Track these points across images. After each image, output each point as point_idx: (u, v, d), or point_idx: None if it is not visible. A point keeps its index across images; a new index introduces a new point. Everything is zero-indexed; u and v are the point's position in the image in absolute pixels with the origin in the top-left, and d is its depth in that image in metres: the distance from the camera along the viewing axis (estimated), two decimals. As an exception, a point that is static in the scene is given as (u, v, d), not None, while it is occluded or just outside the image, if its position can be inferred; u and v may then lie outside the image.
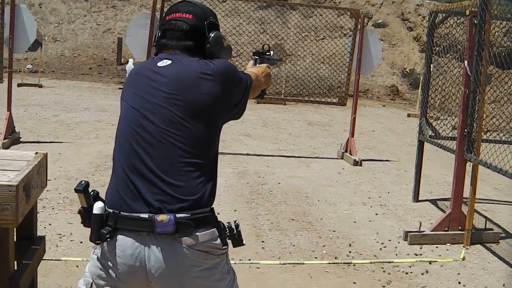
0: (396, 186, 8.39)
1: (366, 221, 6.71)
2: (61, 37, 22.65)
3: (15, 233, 3.16)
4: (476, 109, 6.00)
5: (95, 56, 21.94)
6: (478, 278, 5.35)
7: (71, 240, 5.42)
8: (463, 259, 5.76)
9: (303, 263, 5.32)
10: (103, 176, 7.57)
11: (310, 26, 19.22)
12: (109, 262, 2.37)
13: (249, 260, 5.26)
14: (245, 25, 19.78)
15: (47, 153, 3.68)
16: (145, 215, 2.28)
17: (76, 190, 2.35)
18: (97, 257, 2.43)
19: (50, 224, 5.76)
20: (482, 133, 6.34)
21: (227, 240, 2.39)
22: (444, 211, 6.65)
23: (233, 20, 17.38)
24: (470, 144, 6.03)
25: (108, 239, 2.32)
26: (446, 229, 6.30)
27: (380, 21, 23.12)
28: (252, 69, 2.93)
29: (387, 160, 10.12)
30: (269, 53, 3.17)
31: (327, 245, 5.85)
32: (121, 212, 2.32)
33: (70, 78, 19.63)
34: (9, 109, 9.31)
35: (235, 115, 2.61)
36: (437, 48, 7.82)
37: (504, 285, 5.24)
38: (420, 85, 8.26)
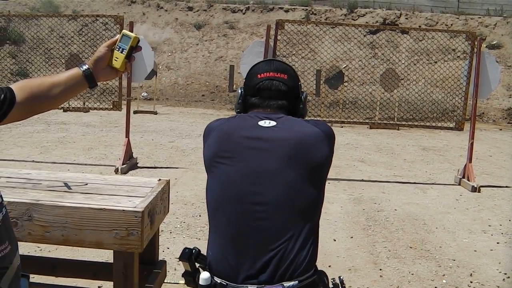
0: (518, 214, 8.05)
1: (487, 250, 6.44)
2: (175, 65, 23.26)
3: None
4: None
5: (207, 83, 22.38)
6: None
7: (189, 265, 5.49)
8: None
9: (426, 294, 5.17)
10: (219, 202, 7.65)
11: (422, 49, 18.98)
12: None
13: (367, 288, 5.17)
14: (356, 50, 19.80)
15: (169, 180, 3.76)
16: (253, 287, 2.22)
17: (181, 259, 2.39)
18: None
19: (168, 248, 5.86)
20: None
21: None
22: None
23: (344, 45, 17.42)
24: None
25: None
26: None
27: (494, 42, 22.44)
28: None
29: (507, 187, 9.72)
30: None
31: (447, 275, 5.65)
32: (229, 284, 2.26)
33: (184, 105, 20.10)
34: (127, 135, 9.62)
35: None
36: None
37: None
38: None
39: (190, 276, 2.37)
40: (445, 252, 6.29)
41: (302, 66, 18.04)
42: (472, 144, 9.70)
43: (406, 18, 23.73)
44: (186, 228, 6.55)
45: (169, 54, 23.80)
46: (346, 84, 18.06)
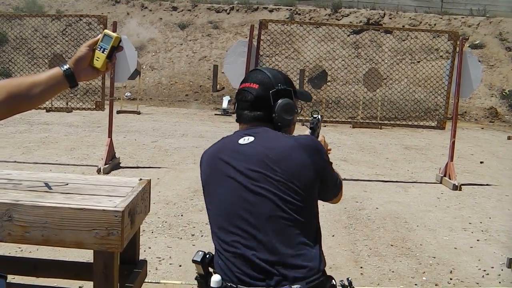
0: (498, 211, 8.12)
1: (467, 248, 6.52)
2: (159, 65, 23.27)
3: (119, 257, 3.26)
4: None
5: (191, 83, 22.39)
6: None
7: (170, 264, 5.52)
8: None
9: (403, 290, 5.23)
10: (201, 201, 7.65)
11: (405, 48, 19.08)
12: None
13: (348, 286, 5.20)
14: (340, 50, 19.86)
15: (150, 179, 3.79)
16: None
17: (194, 262, 2.45)
18: None
19: (149, 248, 5.89)
20: None
21: None
22: (551, 238, 6.38)
23: (328, 44, 17.47)
24: None
25: None
26: (554, 256, 6.05)
27: (477, 42, 22.62)
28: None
29: (487, 185, 9.82)
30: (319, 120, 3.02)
31: (427, 272, 5.71)
32: (239, 285, 2.33)
33: (167, 105, 20.10)
34: (110, 135, 9.63)
35: (320, 194, 2.54)
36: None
37: None
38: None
39: (203, 279, 2.44)
40: (425, 249, 6.36)
41: (286, 66, 18.04)
42: (453, 142, 9.78)
43: (390, 18, 23.90)
44: (168, 228, 6.57)
45: (153, 54, 23.81)
46: (329, 83, 18.12)
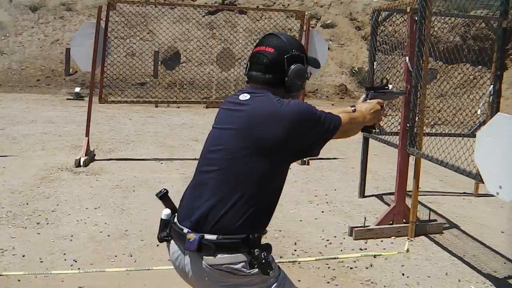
0: (343, 183, 8.47)
1: (312, 219, 6.76)
2: (8, 50, 22.29)
3: None
4: (418, 104, 6.08)
5: (43, 67, 21.62)
6: (421, 268, 5.44)
7: (13, 255, 5.35)
8: (407, 251, 5.85)
9: (248, 264, 5.32)
10: (48, 188, 7.50)
11: (260, 28, 19.30)
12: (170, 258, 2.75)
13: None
14: (194, 31, 19.82)
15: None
16: (185, 230, 2.58)
17: (157, 196, 2.82)
18: None
19: (-8, 238, 5.69)
20: (428, 127, 6.43)
21: (257, 267, 2.54)
22: (389, 205, 6.72)
23: (183, 25, 17.39)
24: (412, 138, 6.11)
25: (166, 241, 2.72)
26: (391, 222, 6.40)
27: (328, 21, 23.26)
28: (360, 105, 3.05)
29: (334, 158, 10.20)
30: (387, 87, 3.23)
31: (273, 245, 5.77)
32: (176, 222, 2.67)
33: (18, 91, 19.31)
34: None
35: (307, 155, 2.84)
36: (385, 46, 7.91)
37: (446, 273, 5.34)
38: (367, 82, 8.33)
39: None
40: (271, 224, 6.37)
41: (140, 48, 17.88)
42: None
43: (245, -1, 24.11)
44: (12, 218, 6.36)
45: (2, 38, 22.76)
46: (184, 64, 18.08)
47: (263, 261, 2.53)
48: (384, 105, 3.16)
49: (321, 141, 2.72)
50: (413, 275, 5.27)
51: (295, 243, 5.94)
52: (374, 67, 7.83)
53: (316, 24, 22.98)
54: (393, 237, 6.23)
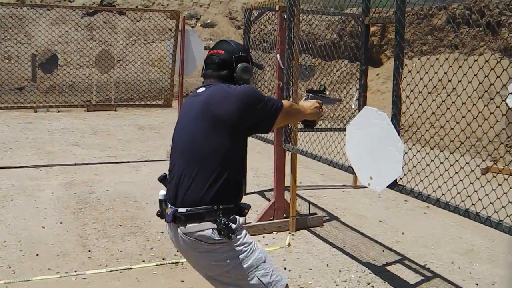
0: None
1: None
2: None
3: None
4: (291, 101, 6.16)
5: None
6: (303, 261, 5.53)
7: None
8: (289, 245, 5.93)
9: (130, 268, 5.26)
10: None
11: (139, 29, 19.09)
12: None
13: (75, 272, 5.12)
14: (73, 33, 19.33)
15: None
16: (169, 206, 3.04)
17: (158, 179, 3.26)
18: None
19: None
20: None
21: (222, 232, 2.91)
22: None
23: (62, 27, 16.94)
24: (287, 134, 6.20)
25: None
26: (272, 218, 6.46)
27: (208, 21, 23.30)
28: (302, 102, 3.70)
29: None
30: (324, 93, 3.86)
31: (155, 247, 5.82)
32: (164, 201, 3.12)
33: None
34: None
35: (257, 131, 3.26)
36: (265, 44, 7.98)
37: (327, 265, 5.44)
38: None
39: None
40: (154, 226, 6.45)
41: (17, 51, 17.25)
42: (180, 119, 10.00)
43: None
44: None
45: None
46: (63, 68, 17.63)
47: (224, 226, 2.89)
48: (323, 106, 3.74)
49: (267, 120, 3.19)
50: (295, 268, 5.34)
51: (177, 243, 5.90)
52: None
53: (196, 24, 22.98)
54: (275, 232, 6.30)
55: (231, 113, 2.99)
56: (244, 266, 3.01)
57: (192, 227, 2.93)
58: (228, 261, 2.98)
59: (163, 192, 3.18)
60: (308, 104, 3.63)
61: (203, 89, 3.18)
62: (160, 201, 3.16)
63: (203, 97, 3.10)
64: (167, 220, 3.02)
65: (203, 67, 3.34)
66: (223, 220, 2.89)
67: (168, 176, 3.20)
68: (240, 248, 3.00)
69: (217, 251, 2.96)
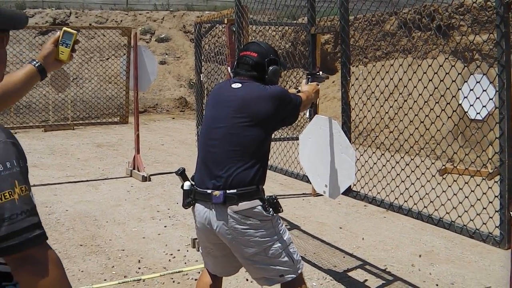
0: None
1: (155, 235, 6.73)
2: None
3: None
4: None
5: None
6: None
7: None
8: (250, 256, 5.94)
9: (92, 288, 5.23)
10: None
11: (94, 46, 18.97)
12: (195, 221, 3.59)
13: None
14: (27, 51, 19.15)
15: None
16: (209, 191, 3.38)
17: (176, 173, 3.64)
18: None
19: None
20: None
21: (270, 208, 3.40)
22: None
23: (14, 48, 16.77)
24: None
25: (192, 206, 3.53)
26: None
27: (163, 35, 23.27)
28: (305, 87, 4.16)
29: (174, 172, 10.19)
30: (318, 73, 4.33)
31: (116, 265, 5.79)
32: (197, 188, 3.47)
33: None
34: None
35: (284, 124, 3.75)
36: (221, 56, 8.02)
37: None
38: (196, 93, 8.44)
39: (182, 187, 3.56)
40: (114, 244, 6.43)
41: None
42: (138, 135, 10.01)
43: (77, 17, 23.56)
44: None
45: None
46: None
47: (274, 201, 3.44)
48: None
49: (293, 114, 3.71)
50: (256, 279, 5.36)
51: (139, 261, 5.89)
52: (201, 78, 7.94)
53: (150, 39, 22.94)
54: (236, 244, 6.32)
55: (268, 111, 3.46)
56: (281, 243, 3.45)
57: (244, 204, 3.34)
58: (269, 237, 3.41)
59: (188, 183, 3.52)
60: (311, 88, 4.13)
61: (239, 85, 3.58)
62: (188, 191, 3.50)
63: (241, 94, 3.51)
64: (217, 201, 3.34)
65: (234, 64, 3.79)
66: (273, 196, 3.46)
67: (198, 167, 3.56)
68: (279, 226, 3.49)
69: (264, 227, 3.39)
